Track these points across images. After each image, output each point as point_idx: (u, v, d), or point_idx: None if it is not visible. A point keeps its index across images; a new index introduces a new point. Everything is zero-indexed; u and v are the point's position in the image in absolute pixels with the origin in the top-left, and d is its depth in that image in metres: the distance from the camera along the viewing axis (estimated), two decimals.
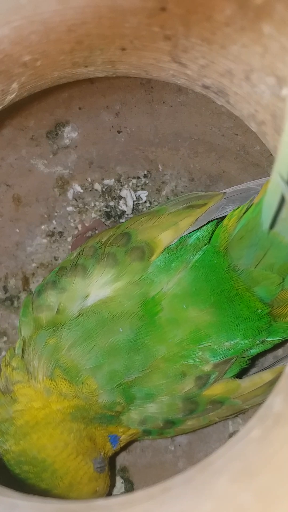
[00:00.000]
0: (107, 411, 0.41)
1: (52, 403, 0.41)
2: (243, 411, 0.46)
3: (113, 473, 0.51)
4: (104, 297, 0.42)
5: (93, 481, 0.42)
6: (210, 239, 0.43)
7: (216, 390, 0.42)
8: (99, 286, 0.42)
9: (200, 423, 0.44)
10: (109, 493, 0.50)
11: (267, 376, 0.43)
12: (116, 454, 0.51)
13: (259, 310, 0.42)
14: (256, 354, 0.44)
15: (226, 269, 0.42)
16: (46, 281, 0.45)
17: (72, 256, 0.45)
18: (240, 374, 0.45)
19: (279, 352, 0.53)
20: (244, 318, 0.42)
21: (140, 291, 0.42)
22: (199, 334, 0.41)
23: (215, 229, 0.44)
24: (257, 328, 0.42)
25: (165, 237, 0.42)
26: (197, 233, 0.43)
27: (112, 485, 0.51)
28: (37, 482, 0.41)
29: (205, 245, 0.43)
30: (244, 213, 0.42)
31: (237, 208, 0.43)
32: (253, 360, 0.50)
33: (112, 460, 0.51)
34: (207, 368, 0.41)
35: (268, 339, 0.43)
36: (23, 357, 0.42)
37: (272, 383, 0.43)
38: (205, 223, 0.43)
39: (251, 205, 0.41)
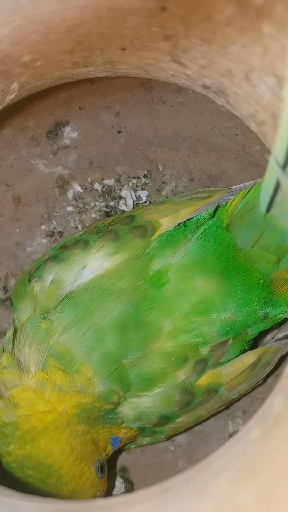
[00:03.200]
0: (104, 403, 0.40)
1: (56, 404, 0.39)
2: (231, 402, 0.46)
3: (113, 473, 0.51)
4: (102, 269, 0.41)
5: (94, 487, 0.41)
6: (213, 216, 0.44)
7: (203, 381, 0.42)
8: (97, 258, 0.42)
9: (189, 420, 0.44)
10: (109, 493, 0.50)
11: (248, 358, 0.43)
12: (117, 454, 0.51)
13: (262, 280, 0.42)
14: (257, 333, 0.43)
15: (228, 243, 0.42)
16: (44, 256, 0.44)
17: (75, 235, 0.45)
18: None
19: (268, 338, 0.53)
20: (250, 287, 0.42)
21: (142, 264, 0.41)
22: (206, 304, 0.41)
23: (217, 208, 0.44)
24: (263, 298, 0.42)
25: (165, 222, 0.43)
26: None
27: (112, 485, 0.51)
28: (40, 487, 0.40)
29: (208, 220, 0.43)
30: (247, 193, 0.42)
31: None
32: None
33: (112, 460, 0.51)
34: (205, 351, 0.41)
35: (270, 314, 0.43)
36: (13, 349, 0.40)
37: (254, 366, 0.43)
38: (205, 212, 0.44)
39: (254, 185, 0.42)
